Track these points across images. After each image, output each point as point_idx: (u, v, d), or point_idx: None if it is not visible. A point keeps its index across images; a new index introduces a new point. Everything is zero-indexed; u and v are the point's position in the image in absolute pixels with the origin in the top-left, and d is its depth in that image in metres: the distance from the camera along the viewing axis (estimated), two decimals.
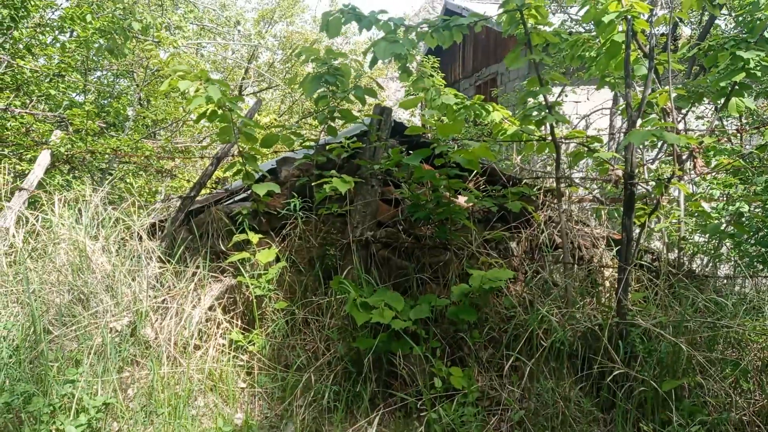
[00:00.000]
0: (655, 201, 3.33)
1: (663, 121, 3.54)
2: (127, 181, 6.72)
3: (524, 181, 4.24)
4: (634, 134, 3.08)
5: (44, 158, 4.47)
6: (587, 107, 11.31)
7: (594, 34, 4.21)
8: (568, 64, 4.62)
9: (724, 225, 4.19)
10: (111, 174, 6.05)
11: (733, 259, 4.26)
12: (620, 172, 3.35)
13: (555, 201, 3.63)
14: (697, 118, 9.19)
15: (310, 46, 4.30)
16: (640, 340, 3.02)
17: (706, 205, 4.81)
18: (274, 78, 17.15)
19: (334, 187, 3.16)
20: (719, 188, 4.67)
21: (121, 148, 5.11)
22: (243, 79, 15.76)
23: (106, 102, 8.46)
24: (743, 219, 4.59)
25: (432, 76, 3.80)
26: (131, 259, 3.72)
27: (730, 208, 4.59)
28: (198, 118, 3.39)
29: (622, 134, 9.71)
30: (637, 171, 3.48)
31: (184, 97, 9.63)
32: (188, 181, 7.19)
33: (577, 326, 3.11)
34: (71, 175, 5.34)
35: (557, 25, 9.63)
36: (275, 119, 8.99)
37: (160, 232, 4.14)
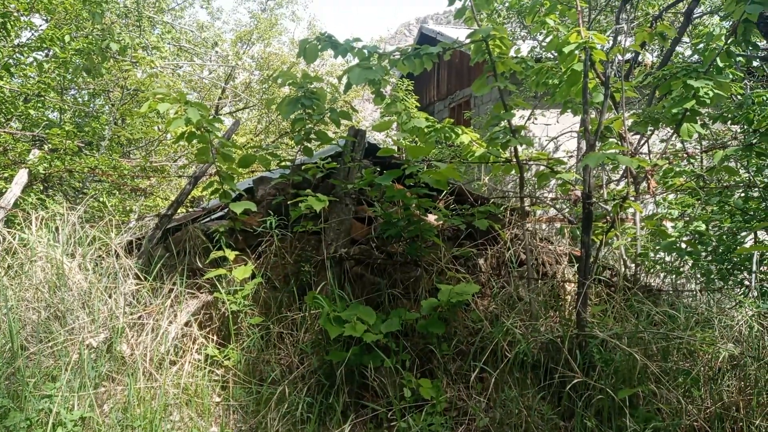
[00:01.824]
0: (611, 219, 3.54)
1: (621, 144, 3.78)
2: (101, 200, 6.75)
3: (492, 200, 4.43)
4: (590, 157, 3.29)
5: (22, 177, 4.53)
6: (557, 129, 11.67)
7: (558, 62, 4.47)
8: (535, 89, 4.88)
9: (682, 243, 4.43)
10: (85, 193, 6.09)
11: (691, 274, 4.50)
12: (579, 192, 3.56)
13: (520, 219, 3.82)
14: (662, 141, 9.56)
15: (288, 71, 4.46)
16: (597, 351, 3.19)
17: (668, 224, 5.07)
18: (251, 98, 17.31)
19: (309, 205, 3.30)
20: (678, 208, 4.93)
21: (98, 167, 5.19)
22: (220, 98, 15.88)
23: (80, 121, 8.50)
24: (703, 237, 4.86)
25: (405, 100, 3.97)
26: (108, 277, 3.79)
27: (689, 227, 4.85)
28: (176, 139, 3.50)
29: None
30: (595, 191, 3.70)
31: (161, 117, 9.72)
32: (164, 199, 7.25)
33: (540, 338, 3.27)
34: (45, 193, 5.36)
35: (527, 51, 9.99)
36: (251, 139, 9.12)
37: (137, 250, 4.21)
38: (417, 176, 3.76)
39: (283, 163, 4.01)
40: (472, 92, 16.17)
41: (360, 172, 3.80)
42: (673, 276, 4.31)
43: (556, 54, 4.48)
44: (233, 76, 17.98)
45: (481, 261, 4.14)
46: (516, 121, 4.14)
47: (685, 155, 4.30)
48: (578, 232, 4.60)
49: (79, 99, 8.69)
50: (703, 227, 5.24)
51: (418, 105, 14.75)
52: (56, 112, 7.51)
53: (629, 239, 3.82)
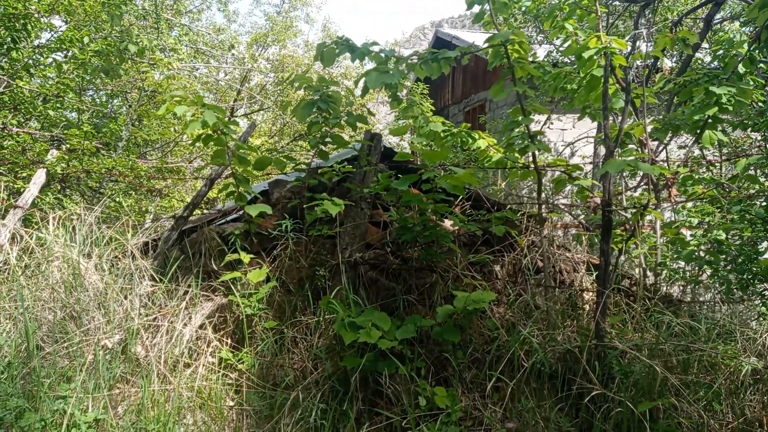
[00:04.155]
0: (632, 227, 3.48)
1: (641, 151, 3.71)
2: (117, 200, 6.79)
3: (509, 206, 4.38)
4: (610, 164, 3.23)
5: (40, 177, 4.56)
6: (573, 134, 11.59)
7: (576, 66, 4.42)
8: (552, 95, 4.83)
9: (701, 252, 4.35)
10: (102, 193, 6.12)
11: (711, 285, 4.41)
12: (599, 200, 3.50)
13: (537, 226, 3.77)
14: (680, 147, 9.44)
15: (303, 74, 4.45)
16: (617, 363, 3.13)
17: (687, 233, 4.99)
18: (266, 101, 17.38)
19: (324, 209, 3.28)
20: (697, 216, 4.84)
21: (115, 167, 5.22)
22: (235, 100, 15.95)
23: (98, 122, 8.57)
24: (722, 246, 4.77)
25: (421, 104, 3.95)
26: (124, 277, 3.80)
27: (709, 235, 4.77)
28: (193, 141, 3.50)
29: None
30: (614, 198, 3.64)
31: (177, 119, 9.77)
32: (180, 201, 7.27)
33: (558, 348, 3.22)
34: (63, 193, 5.40)
35: (543, 56, 9.91)
36: (266, 141, 9.14)
37: (152, 251, 4.22)
38: (433, 181, 3.73)
39: (298, 166, 4.00)
40: (486, 96, 16.10)
41: (376, 176, 3.77)
42: (693, 286, 4.23)
43: (573, 59, 4.44)
44: (248, 78, 18.07)
45: (497, 267, 4.10)
46: (532, 126, 4.09)
47: (705, 163, 4.22)
48: (596, 240, 4.54)
49: (97, 100, 8.77)
50: (723, 236, 5.15)
51: (433, 108, 14.71)
52: (74, 112, 7.58)
53: (648, 248, 3.75)
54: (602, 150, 9.74)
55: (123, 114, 8.76)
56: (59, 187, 5.53)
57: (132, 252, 3.76)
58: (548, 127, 10.73)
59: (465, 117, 17.62)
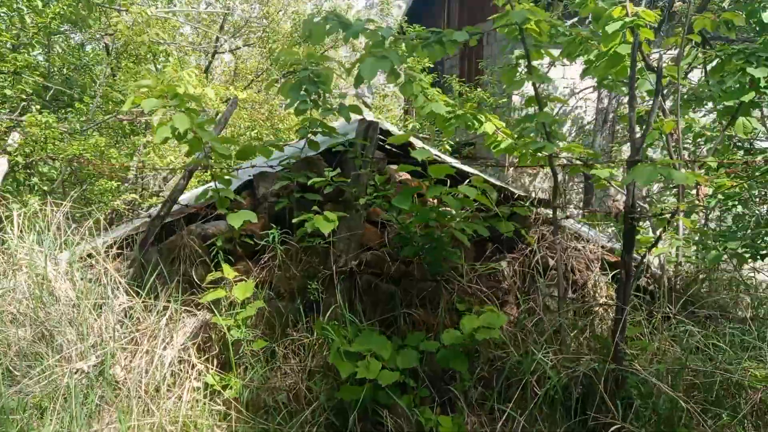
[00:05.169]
0: (657, 237, 3.14)
1: (671, 154, 3.29)
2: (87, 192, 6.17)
3: (517, 195, 4.02)
4: (639, 171, 2.83)
5: (2, 165, 4.12)
6: (574, 70, 10.88)
7: (593, 27, 3.94)
8: (564, 57, 4.34)
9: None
10: (72, 184, 5.64)
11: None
12: (621, 205, 3.14)
13: (550, 229, 3.43)
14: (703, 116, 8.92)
15: (290, 48, 3.95)
16: (637, 390, 2.90)
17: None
18: (251, 34, 16.38)
19: (315, 226, 2.91)
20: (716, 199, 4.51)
21: (83, 155, 4.72)
22: (217, 39, 15.00)
23: (71, 76, 7.94)
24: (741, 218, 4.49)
25: (422, 80, 3.51)
26: (97, 284, 3.47)
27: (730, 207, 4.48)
28: (161, 142, 3.07)
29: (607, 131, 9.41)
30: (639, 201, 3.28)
31: (157, 68, 9.11)
32: (155, 195, 6.82)
33: (573, 374, 2.97)
34: (28, 183, 4.93)
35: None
36: (251, 94, 8.54)
37: (128, 250, 3.86)
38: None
39: (285, 162, 3.59)
40: (484, 29, 15.20)
41: (373, 178, 3.38)
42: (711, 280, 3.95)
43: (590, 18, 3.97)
44: (232, 10, 16.96)
45: (504, 264, 3.79)
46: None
47: (745, 164, 3.84)
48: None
49: (67, 50, 8.07)
50: (740, 209, 4.85)
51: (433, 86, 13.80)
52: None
53: (671, 249, 3.44)
54: (606, 102, 9.25)
55: (96, 67, 8.10)
56: (24, 176, 5.05)
57: (104, 264, 3.41)
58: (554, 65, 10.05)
59: (461, 52, 16.74)
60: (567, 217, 3.58)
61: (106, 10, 7.20)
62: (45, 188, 6.24)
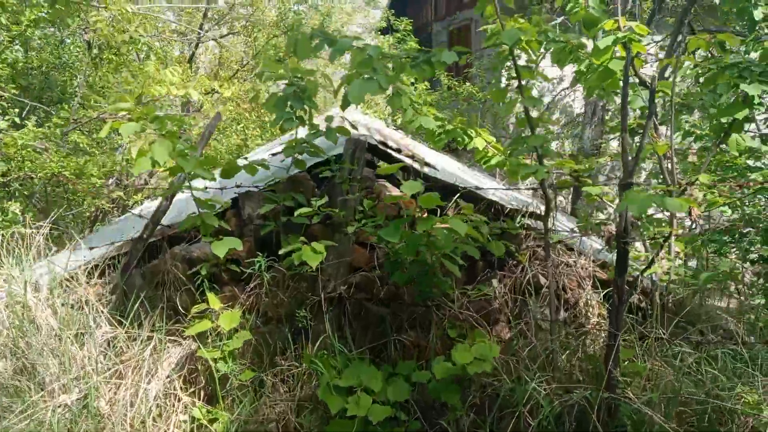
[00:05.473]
0: (650, 260, 3.09)
1: (660, 164, 3.24)
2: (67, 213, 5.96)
3: (508, 208, 3.95)
4: (631, 199, 2.76)
5: None
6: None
7: (583, 32, 3.86)
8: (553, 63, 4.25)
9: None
10: (52, 200, 5.48)
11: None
12: (613, 228, 3.09)
13: (545, 259, 3.37)
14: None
15: (273, 61, 3.83)
16: (630, 420, 2.87)
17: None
18: (236, 20, 16.06)
19: (303, 259, 2.83)
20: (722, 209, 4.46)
21: (62, 172, 4.56)
22: (201, 26, 14.67)
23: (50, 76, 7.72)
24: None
25: (411, 93, 3.41)
26: (79, 312, 3.37)
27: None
28: (139, 166, 2.91)
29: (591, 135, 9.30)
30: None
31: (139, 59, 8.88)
32: (140, 191, 6.66)
33: (566, 402, 2.93)
34: (7, 201, 4.78)
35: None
36: (236, 91, 8.34)
37: (111, 270, 3.77)
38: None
39: (270, 183, 3.49)
40: (472, 16, 14.98)
41: (361, 203, 3.29)
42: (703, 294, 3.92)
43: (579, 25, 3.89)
44: None
45: (495, 283, 3.74)
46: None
47: (738, 187, 3.79)
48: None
49: (45, 48, 7.84)
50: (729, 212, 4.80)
51: (411, 28, 13.56)
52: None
53: (664, 268, 3.40)
54: (590, 110, 9.13)
55: (77, 63, 7.88)
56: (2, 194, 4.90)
57: (86, 290, 3.31)
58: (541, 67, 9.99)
59: (449, 36, 16.49)
60: (558, 242, 3.52)
61: (85, 8, 6.98)
62: (26, 192, 6.12)
